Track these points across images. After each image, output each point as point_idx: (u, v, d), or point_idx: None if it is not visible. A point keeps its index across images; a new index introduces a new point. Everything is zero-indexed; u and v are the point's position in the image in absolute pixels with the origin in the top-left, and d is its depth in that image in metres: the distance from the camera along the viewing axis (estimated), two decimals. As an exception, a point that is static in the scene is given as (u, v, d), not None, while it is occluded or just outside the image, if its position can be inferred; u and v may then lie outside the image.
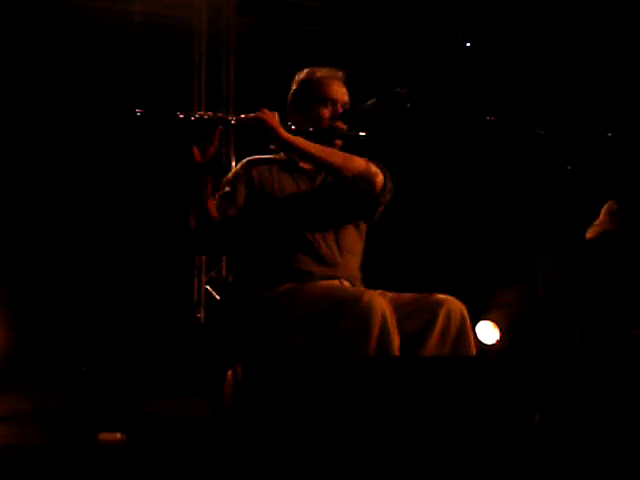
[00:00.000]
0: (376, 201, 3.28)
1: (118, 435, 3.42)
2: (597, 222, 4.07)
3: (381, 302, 2.90)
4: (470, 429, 1.92)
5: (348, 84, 3.37)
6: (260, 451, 1.81)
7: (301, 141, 3.16)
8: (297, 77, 3.41)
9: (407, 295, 3.18)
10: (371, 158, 3.33)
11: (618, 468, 1.98)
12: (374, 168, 3.24)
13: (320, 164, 3.21)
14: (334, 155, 3.20)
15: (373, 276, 3.38)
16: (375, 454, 1.85)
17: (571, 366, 2.09)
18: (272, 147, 3.26)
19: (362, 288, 3.24)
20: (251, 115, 3.12)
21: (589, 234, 3.97)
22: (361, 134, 3.26)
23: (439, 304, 3.07)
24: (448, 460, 1.88)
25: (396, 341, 2.88)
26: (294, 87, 3.41)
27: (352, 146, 3.31)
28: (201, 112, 3.09)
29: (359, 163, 3.22)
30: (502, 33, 5.73)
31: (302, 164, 3.34)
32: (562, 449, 1.95)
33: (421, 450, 1.87)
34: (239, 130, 3.16)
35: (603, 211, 4.12)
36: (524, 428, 1.93)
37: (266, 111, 3.12)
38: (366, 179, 3.21)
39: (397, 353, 2.88)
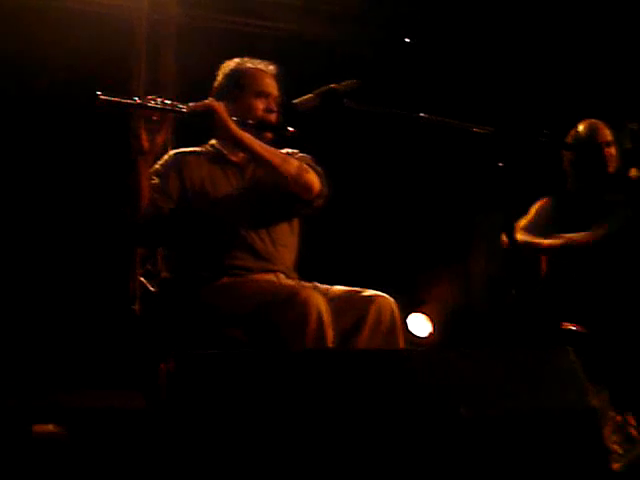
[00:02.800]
0: (309, 205, 3.31)
1: (52, 427, 3.40)
2: (525, 218, 4.13)
3: (318, 298, 2.92)
4: (398, 423, 1.94)
5: (278, 78, 3.39)
6: (193, 444, 1.82)
7: (248, 137, 3.15)
8: (227, 66, 3.41)
9: (339, 289, 3.21)
10: (311, 157, 3.36)
11: (545, 461, 2.02)
12: (312, 174, 3.27)
13: (263, 162, 3.20)
14: (276, 155, 3.20)
15: (307, 268, 3.41)
16: (309, 446, 1.87)
17: (499, 359, 2.13)
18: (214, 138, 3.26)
19: (298, 282, 3.27)
20: (200, 104, 3.12)
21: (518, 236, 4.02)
22: (290, 129, 3.27)
23: (370, 301, 3.11)
24: (377, 453, 1.90)
25: (330, 337, 2.91)
26: (224, 76, 3.39)
27: (282, 140, 3.33)
28: (154, 98, 3.05)
29: (297, 167, 3.23)
30: (441, 29, 5.77)
31: (232, 157, 3.35)
32: (489, 443, 1.98)
33: (351, 443, 1.90)
34: (187, 119, 3.13)
35: (533, 209, 4.18)
36: (452, 422, 1.96)
37: (215, 102, 3.13)
38: (302, 183, 3.22)
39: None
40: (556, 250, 3.93)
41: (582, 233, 3.90)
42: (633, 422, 3.49)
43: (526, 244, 3.94)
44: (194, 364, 1.88)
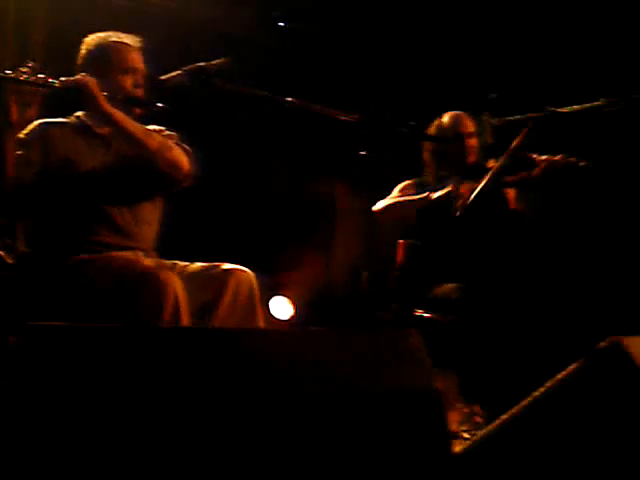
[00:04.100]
0: (177, 185, 3.30)
1: None
2: (390, 197, 4.20)
3: (176, 282, 2.94)
4: (246, 402, 1.96)
5: (143, 51, 3.38)
6: (39, 423, 1.79)
7: (118, 113, 3.14)
8: (91, 40, 3.36)
9: (197, 265, 3.23)
10: (177, 135, 3.36)
11: (385, 441, 2.05)
12: (179, 151, 3.26)
13: (127, 136, 3.19)
14: (140, 130, 3.20)
15: (167, 247, 3.40)
16: (156, 424, 1.86)
17: (345, 340, 2.15)
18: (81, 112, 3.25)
19: (158, 262, 3.27)
20: (72, 80, 3.09)
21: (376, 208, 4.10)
22: (158, 105, 3.26)
23: (229, 274, 3.15)
24: (226, 432, 1.91)
25: (186, 319, 2.93)
26: (88, 50, 3.35)
27: (150, 117, 3.32)
28: (27, 71, 2.99)
29: (161, 142, 3.23)
30: (318, 15, 5.78)
31: (98, 130, 3.31)
32: (332, 423, 2.00)
33: (200, 423, 1.90)
34: (59, 93, 3.10)
35: (397, 189, 4.26)
36: (297, 401, 1.99)
37: (87, 78, 3.09)
38: (169, 160, 3.22)
39: None
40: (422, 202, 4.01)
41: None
42: (480, 411, 3.59)
43: (394, 203, 4.05)
44: (39, 336, 1.86)
